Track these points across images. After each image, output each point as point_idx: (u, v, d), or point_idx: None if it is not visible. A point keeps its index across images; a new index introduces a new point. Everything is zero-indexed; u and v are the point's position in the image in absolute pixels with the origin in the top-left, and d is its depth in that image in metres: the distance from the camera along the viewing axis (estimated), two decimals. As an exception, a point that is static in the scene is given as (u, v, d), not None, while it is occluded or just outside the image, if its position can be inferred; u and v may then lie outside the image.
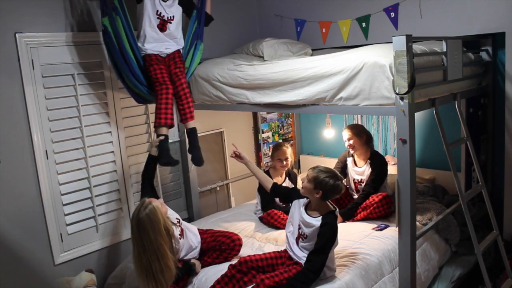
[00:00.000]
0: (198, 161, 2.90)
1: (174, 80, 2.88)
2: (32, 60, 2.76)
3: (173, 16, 2.95)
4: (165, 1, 2.92)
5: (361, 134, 3.33)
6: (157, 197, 2.72)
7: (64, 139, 2.94)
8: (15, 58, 2.69)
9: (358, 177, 3.39)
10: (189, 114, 2.89)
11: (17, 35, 2.68)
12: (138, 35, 2.91)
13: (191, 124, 2.91)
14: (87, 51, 3.00)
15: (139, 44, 2.89)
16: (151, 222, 2.39)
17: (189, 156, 2.98)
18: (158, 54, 2.91)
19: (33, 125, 2.78)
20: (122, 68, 2.84)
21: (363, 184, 3.34)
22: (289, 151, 3.44)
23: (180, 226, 2.71)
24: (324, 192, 2.39)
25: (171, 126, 2.85)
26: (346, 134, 3.36)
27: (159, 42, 2.92)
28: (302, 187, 2.50)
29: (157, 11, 2.88)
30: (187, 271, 2.60)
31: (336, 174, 2.44)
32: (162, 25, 2.91)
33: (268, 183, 2.80)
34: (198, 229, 2.91)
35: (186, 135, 2.96)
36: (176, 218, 2.72)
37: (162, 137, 2.79)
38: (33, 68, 2.77)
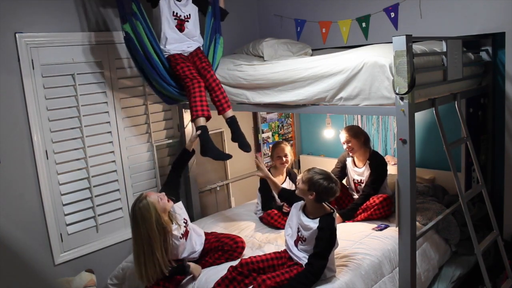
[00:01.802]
0: (245, 147, 2.85)
1: (204, 74, 2.88)
2: (32, 60, 2.76)
3: (189, 15, 2.98)
4: (180, 1, 2.95)
5: (359, 136, 3.32)
6: (176, 190, 2.81)
7: (64, 139, 2.94)
8: (15, 58, 2.70)
9: (358, 178, 3.39)
10: (225, 104, 2.88)
11: (17, 35, 2.69)
12: (158, 37, 2.93)
13: (229, 113, 2.89)
14: (87, 51, 3.01)
15: (161, 46, 2.91)
16: (143, 217, 2.47)
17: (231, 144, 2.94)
18: (181, 53, 2.94)
19: (33, 125, 2.78)
20: (148, 72, 2.87)
21: (363, 185, 3.34)
22: (287, 148, 3.45)
23: (186, 227, 2.71)
24: (318, 194, 2.39)
25: (209, 117, 2.82)
26: (344, 136, 3.34)
27: (181, 42, 2.95)
28: (297, 188, 2.50)
29: (173, 12, 2.92)
30: (179, 272, 2.58)
31: (330, 176, 2.43)
32: (180, 25, 2.94)
33: (278, 189, 2.88)
34: (204, 232, 2.92)
35: (227, 124, 2.92)
36: (184, 219, 2.73)
37: (199, 132, 2.77)
38: (33, 68, 2.77)
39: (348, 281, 2.39)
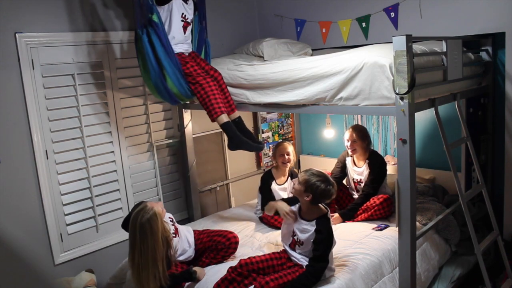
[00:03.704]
0: (259, 145, 3.00)
1: (215, 76, 2.97)
2: (32, 60, 2.76)
3: (192, 20, 3.02)
4: (187, 4, 2.96)
5: (365, 138, 3.31)
6: None
7: (64, 139, 2.94)
8: (15, 58, 2.70)
9: (357, 177, 3.39)
10: (234, 105, 2.99)
11: (17, 35, 2.69)
12: None
13: (237, 113, 3.00)
14: (87, 51, 3.01)
15: None
16: (151, 229, 2.40)
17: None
18: (184, 53, 2.95)
19: (33, 125, 2.78)
20: (170, 64, 2.78)
21: (362, 184, 3.34)
22: (290, 147, 3.45)
23: (174, 225, 2.71)
24: (314, 196, 2.38)
25: (228, 112, 2.91)
26: (352, 135, 3.31)
27: (184, 43, 2.97)
28: (293, 189, 2.49)
29: (182, 13, 2.93)
30: (187, 278, 2.53)
31: (328, 178, 2.42)
32: (185, 28, 2.96)
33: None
34: (194, 230, 2.91)
35: (234, 125, 2.96)
36: (169, 217, 2.72)
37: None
38: (33, 68, 2.77)
39: (348, 281, 2.39)
